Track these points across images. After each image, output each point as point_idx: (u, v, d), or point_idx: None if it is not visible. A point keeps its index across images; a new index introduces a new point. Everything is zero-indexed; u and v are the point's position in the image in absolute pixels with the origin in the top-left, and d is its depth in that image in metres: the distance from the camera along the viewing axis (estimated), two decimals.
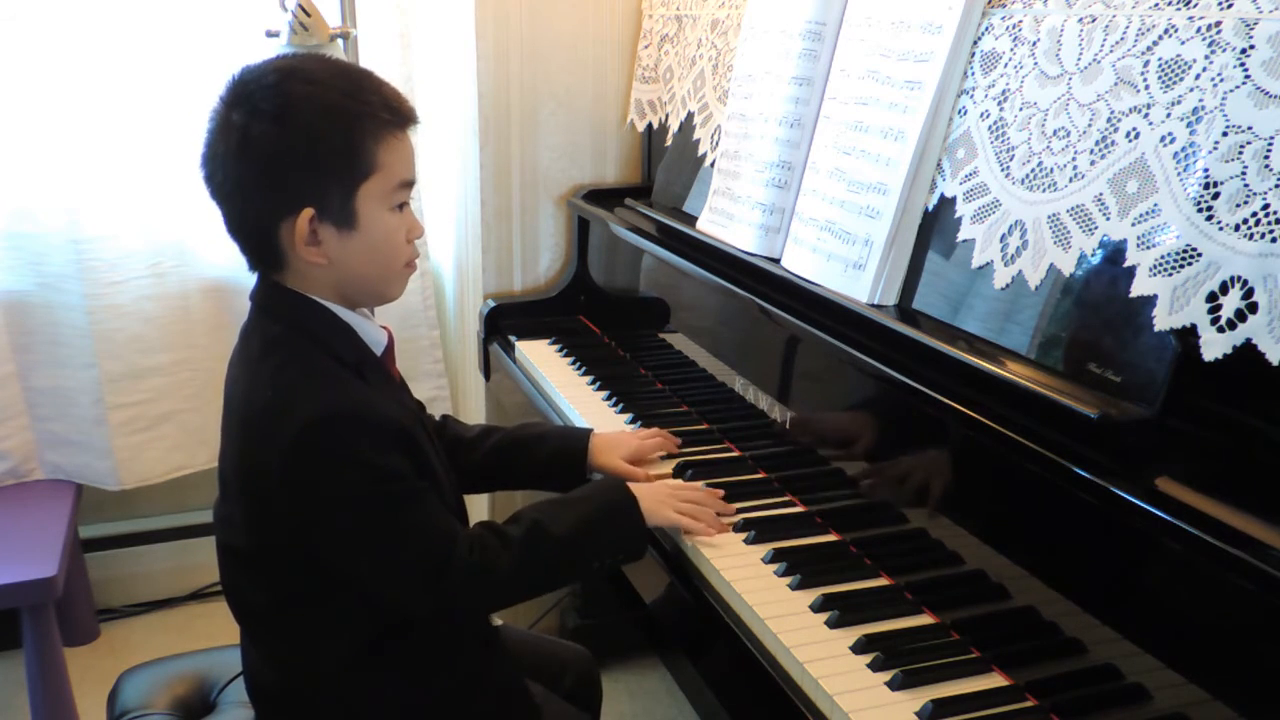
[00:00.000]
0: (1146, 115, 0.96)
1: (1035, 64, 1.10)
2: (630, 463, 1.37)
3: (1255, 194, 0.84)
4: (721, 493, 1.30)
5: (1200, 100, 0.90)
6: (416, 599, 1.09)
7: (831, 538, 1.24)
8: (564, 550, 1.14)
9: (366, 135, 1.04)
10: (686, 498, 1.24)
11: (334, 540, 1.06)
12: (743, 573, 1.16)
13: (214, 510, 1.17)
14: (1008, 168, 1.12)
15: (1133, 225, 0.95)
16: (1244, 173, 0.85)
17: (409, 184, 1.09)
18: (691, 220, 1.69)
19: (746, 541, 1.22)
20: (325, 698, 1.14)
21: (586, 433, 1.40)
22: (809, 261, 1.38)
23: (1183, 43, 0.93)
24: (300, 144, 1.02)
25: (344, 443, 1.02)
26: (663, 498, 1.22)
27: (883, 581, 1.15)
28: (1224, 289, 0.86)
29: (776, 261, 1.46)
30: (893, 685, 0.97)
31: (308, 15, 1.94)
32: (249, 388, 1.08)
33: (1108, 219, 0.98)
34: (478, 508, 2.27)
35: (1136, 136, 0.96)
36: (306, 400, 1.03)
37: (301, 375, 1.05)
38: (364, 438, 1.03)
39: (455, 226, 2.23)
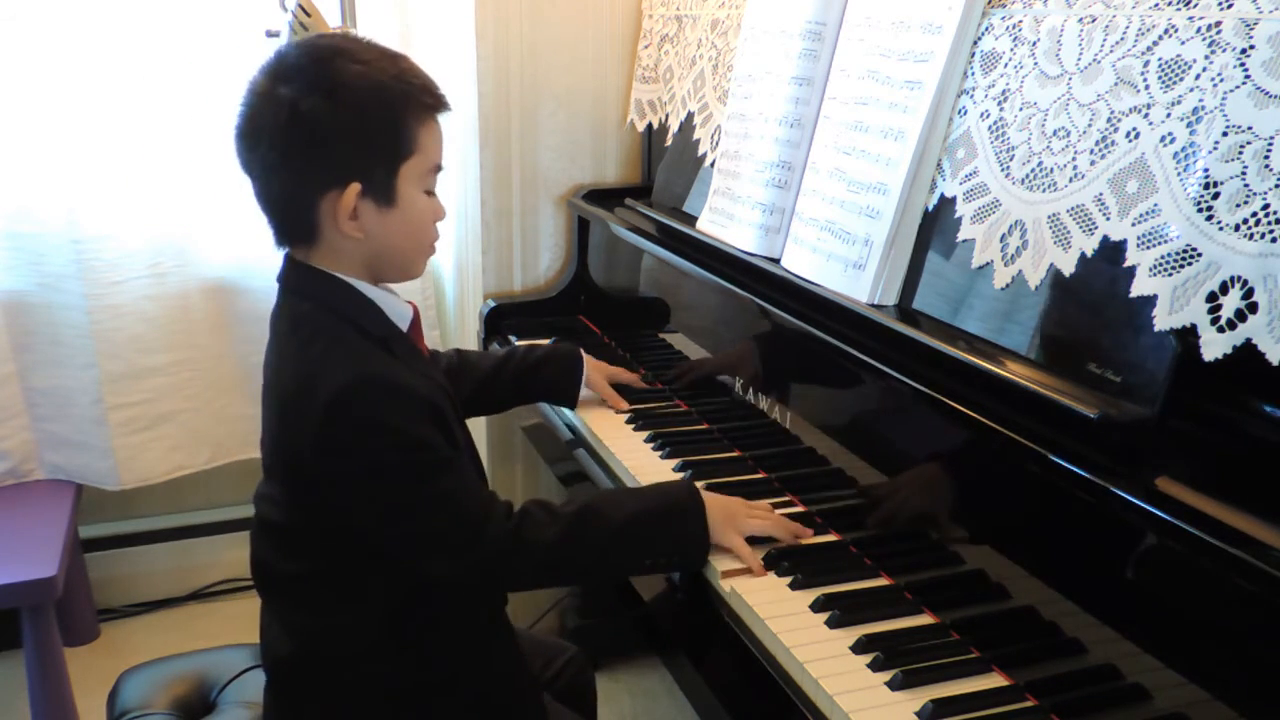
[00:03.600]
0: (1146, 115, 0.96)
1: (1035, 64, 1.10)
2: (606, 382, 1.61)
3: (1255, 194, 0.84)
4: (799, 528, 1.22)
5: (1200, 100, 0.90)
6: (448, 566, 1.09)
7: (831, 538, 1.24)
8: (614, 537, 1.13)
9: (410, 116, 1.08)
10: (758, 519, 1.19)
11: (366, 507, 1.07)
12: (743, 573, 1.16)
13: (256, 489, 1.19)
14: (1008, 168, 1.12)
15: (1133, 225, 0.95)
16: (1244, 173, 0.85)
17: (439, 168, 1.13)
18: (691, 220, 1.69)
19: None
20: (338, 670, 1.15)
21: (579, 354, 1.60)
22: (809, 261, 1.38)
23: (1183, 43, 0.93)
24: (350, 120, 1.05)
25: (373, 408, 1.04)
26: (735, 516, 1.18)
27: (883, 581, 1.15)
28: (1224, 289, 0.86)
29: (776, 261, 1.46)
30: (893, 685, 0.97)
31: (308, 15, 1.93)
32: (279, 366, 1.11)
33: (1108, 219, 0.98)
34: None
35: (1136, 136, 0.96)
36: (334, 369, 1.05)
37: (328, 346, 1.07)
38: (393, 404, 1.05)
39: (455, 226, 2.23)
